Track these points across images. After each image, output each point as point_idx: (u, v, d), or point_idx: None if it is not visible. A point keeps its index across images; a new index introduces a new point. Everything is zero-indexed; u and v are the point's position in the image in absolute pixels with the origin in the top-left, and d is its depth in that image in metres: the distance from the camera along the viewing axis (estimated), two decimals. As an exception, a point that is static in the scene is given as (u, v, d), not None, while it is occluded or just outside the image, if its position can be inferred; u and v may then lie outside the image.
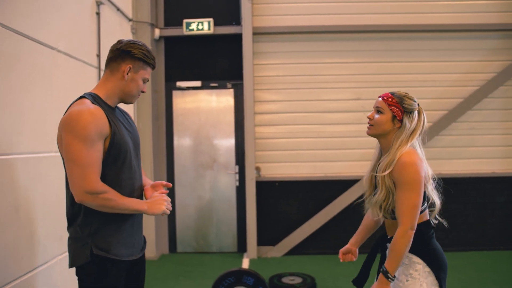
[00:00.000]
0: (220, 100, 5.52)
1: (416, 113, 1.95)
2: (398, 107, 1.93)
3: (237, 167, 5.48)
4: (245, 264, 4.99)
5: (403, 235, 1.83)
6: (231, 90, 5.51)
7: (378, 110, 1.97)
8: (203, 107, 5.52)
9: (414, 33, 5.40)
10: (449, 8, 5.37)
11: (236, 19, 5.43)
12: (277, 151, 5.39)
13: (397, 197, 1.86)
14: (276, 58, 5.41)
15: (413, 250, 1.89)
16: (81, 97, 1.87)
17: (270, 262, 5.04)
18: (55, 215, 3.04)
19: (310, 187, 5.33)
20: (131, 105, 4.55)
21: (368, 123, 2.00)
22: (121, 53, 1.90)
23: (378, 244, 2.07)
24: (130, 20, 4.86)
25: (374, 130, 1.99)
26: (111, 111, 1.91)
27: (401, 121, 1.93)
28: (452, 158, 5.44)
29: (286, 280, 4.21)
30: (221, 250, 5.51)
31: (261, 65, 5.40)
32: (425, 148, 5.81)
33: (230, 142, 5.51)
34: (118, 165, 1.88)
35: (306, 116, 5.40)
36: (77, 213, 1.86)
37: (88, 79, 3.69)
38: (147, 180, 2.12)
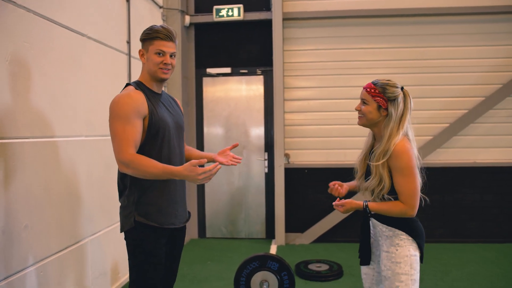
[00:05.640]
0: (250, 87, 5.52)
1: (400, 99, 2.03)
2: (381, 97, 2.03)
3: (266, 153, 5.49)
4: (273, 250, 5.01)
5: (401, 211, 1.99)
6: (261, 77, 5.49)
7: (364, 102, 2.08)
8: (233, 93, 5.53)
9: (450, 16, 5.18)
10: (488, -10, 5.14)
11: (266, 5, 5.38)
12: (306, 138, 5.35)
13: (397, 183, 1.99)
14: (306, 44, 5.34)
15: (396, 225, 2.05)
16: (127, 84, 2.15)
17: (298, 249, 5.04)
18: (85, 197, 3.15)
19: (340, 175, 5.20)
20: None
21: (358, 114, 2.11)
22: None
23: (364, 222, 2.19)
24: (160, 7, 4.91)
25: (364, 120, 2.10)
26: (154, 95, 2.13)
27: (386, 109, 2.03)
28: (488, 146, 5.23)
29: (312, 267, 4.21)
30: (250, 236, 5.55)
31: (291, 51, 5.34)
32: (459, 136, 5.59)
33: (260, 128, 5.51)
34: (158, 142, 2.07)
35: (336, 103, 5.32)
36: (125, 185, 2.10)
37: (118, 66, 3.77)
38: (198, 152, 2.41)
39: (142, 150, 2.03)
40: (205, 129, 5.57)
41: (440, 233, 5.21)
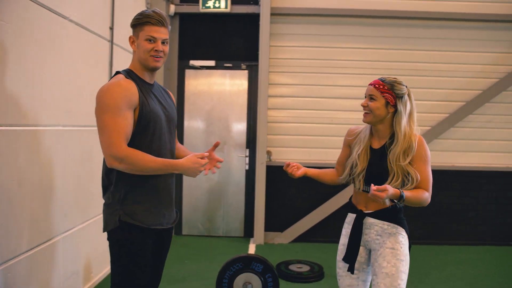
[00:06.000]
0: (234, 81, 5.38)
1: (406, 96, 2.05)
2: (390, 93, 2.03)
3: (247, 150, 5.37)
4: (252, 249, 4.91)
5: (426, 198, 2.03)
6: (245, 72, 5.36)
7: (371, 98, 2.06)
8: (216, 87, 5.38)
9: (436, 21, 5.20)
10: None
11: (253, -2, 5.26)
12: (289, 136, 5.26)
13: (419, 170, 2.01)
14: (293, 40, 5.24)
15: (398, 222, 2.09)
16: (117, 73, 1.99)
17: (277, 249, 4.96)
18: (60, 191, 2.96)
19: (321, 174, 5.20)
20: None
21: (364, 110, 2.09)
22: None
23: (357, 221, 2.13)
24: (144, -6, 4.71)
25: (370, 117, 2.07)
26: (145, 85, 1.99)
27: (394, 106, 2.04)
28: (466, 150, 5.30)
29: (293, 267, 4.13)
30: (228, 234, 5.43)
31: (278, 47, 5.23)
32: (439, 139, 5.64)
33: (242, 124, 5.38)
34: (148, 136, 1.93)
35: (320, 101, 5.26)
36: (110, 181, 1.93)
37: (100, 52, 3.57)
38: (184, 150, 2.28)
39: (131, 144, 1.87)
40: (186, 123, 5.40)
41: (419, 234, 5.22)
